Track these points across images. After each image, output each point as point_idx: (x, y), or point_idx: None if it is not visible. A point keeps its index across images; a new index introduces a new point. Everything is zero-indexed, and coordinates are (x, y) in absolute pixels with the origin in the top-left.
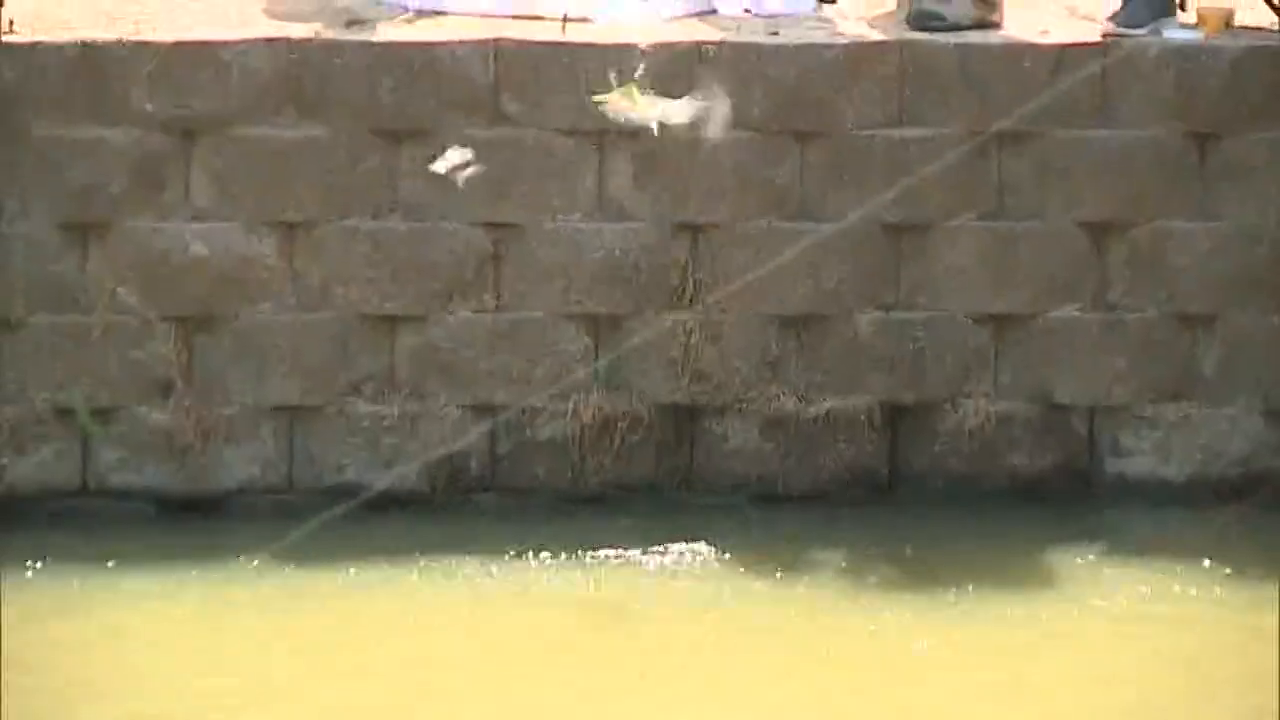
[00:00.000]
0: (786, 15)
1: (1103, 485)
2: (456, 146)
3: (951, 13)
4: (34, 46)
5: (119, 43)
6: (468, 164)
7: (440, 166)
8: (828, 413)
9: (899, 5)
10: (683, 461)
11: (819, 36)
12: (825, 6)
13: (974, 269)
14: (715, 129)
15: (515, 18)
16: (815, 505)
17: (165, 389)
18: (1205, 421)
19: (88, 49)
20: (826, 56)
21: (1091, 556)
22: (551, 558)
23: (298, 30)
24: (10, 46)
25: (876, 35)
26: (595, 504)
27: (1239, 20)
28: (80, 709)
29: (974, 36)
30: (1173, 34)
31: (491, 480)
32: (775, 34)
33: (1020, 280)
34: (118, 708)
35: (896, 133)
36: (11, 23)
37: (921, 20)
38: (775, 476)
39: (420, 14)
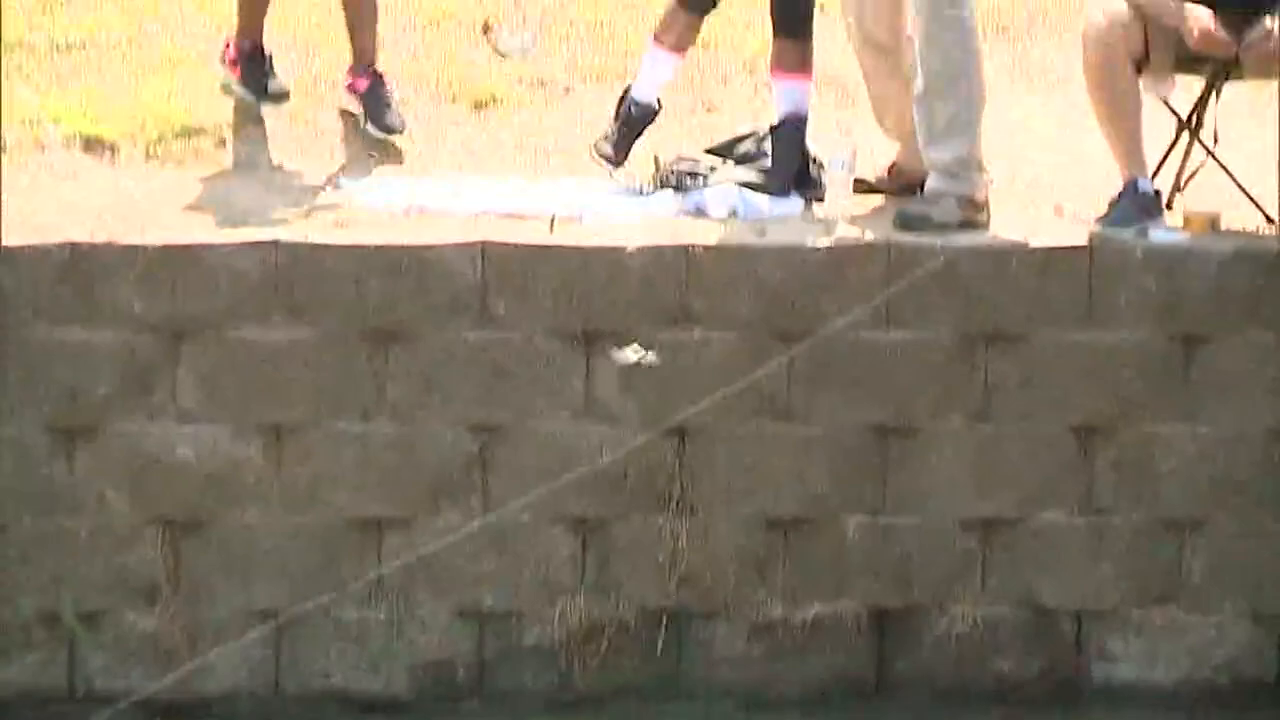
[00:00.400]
0: (774, 217)
1: (1090, 690)
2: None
3: (939, 214)
4: (22, 250)
5: (107, 245)
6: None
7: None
8: (815, 617)
9: (885, 201)
10: (670, 666)
11: (806, 238)
12: (813, 207)
13: (961, 472)
14: None
15: (503, 217)
16: (803, 710)
17: (152, 593)
18: (1193, 627)
19: (76, 251)
20: (813, 258)
21: None
22: None
23: (285, 233)
24: None
25: (863, 237)
26: (583, 709)
27: (1225, 223)
28: None
29: (961, 238)
30: (1159, 236)
31: (479, 686)
32: (762, 234)
33: (1007, 483)
34: None
35: (883, 335)
36: None
37: (908, 222)
38: (763, 681)
39: (408, 213)
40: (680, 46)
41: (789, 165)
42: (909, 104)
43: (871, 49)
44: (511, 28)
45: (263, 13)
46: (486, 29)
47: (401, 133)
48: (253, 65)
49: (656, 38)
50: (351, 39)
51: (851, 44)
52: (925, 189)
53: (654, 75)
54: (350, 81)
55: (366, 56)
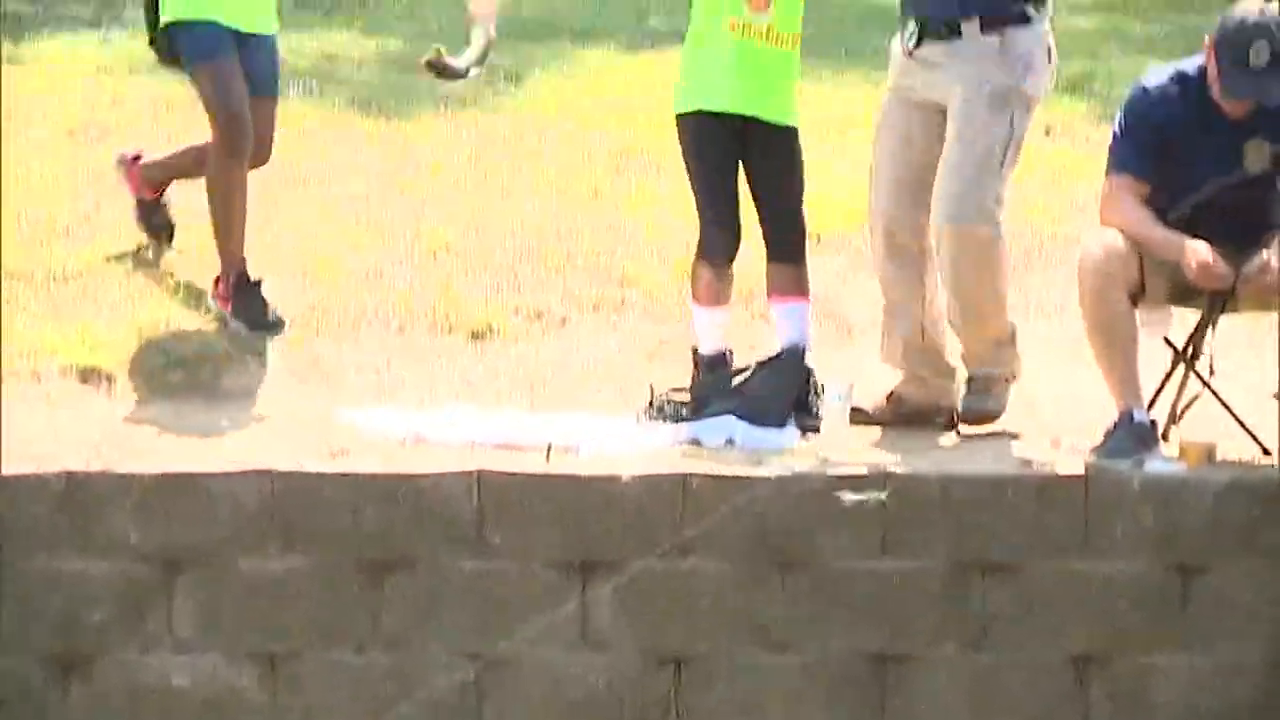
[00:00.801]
0: (771, 447)
1: None
2: None
3: (994, 404)
4: (19, 479)
5: (103, 475)
6: None
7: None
8: None
9: (883, 432)
10: None
11: (801, 467)
12: (809, 436)
13: (957, 701)
14: None
15: (500, 447)
16: None
17: None
18: None
19: (72, 481)
20: (809, 487)
21: None
22: None
23: (281, 462)
24: None
25: (858, 467)
26: None
27: (1221, 454)
28: None
29: (958, 467)
30: (1155, 467)
31: None
32: (759, 464)
33: (1004, 713)
34: None
35: (879, 564)
36: None
37: (975, 418)
38: None
39: (404, 443)
40: (717, 300)
41: (787, 396)
42: (925, 318)
43: (895, 255)
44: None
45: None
46: (432, 65)
47: (281, 329)
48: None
49: (695, 297)
50: (218, 241)
51: (875, 254)
52: (972, 381)
53: (709, 330)
54: (217, 289)
55: (235, 260)
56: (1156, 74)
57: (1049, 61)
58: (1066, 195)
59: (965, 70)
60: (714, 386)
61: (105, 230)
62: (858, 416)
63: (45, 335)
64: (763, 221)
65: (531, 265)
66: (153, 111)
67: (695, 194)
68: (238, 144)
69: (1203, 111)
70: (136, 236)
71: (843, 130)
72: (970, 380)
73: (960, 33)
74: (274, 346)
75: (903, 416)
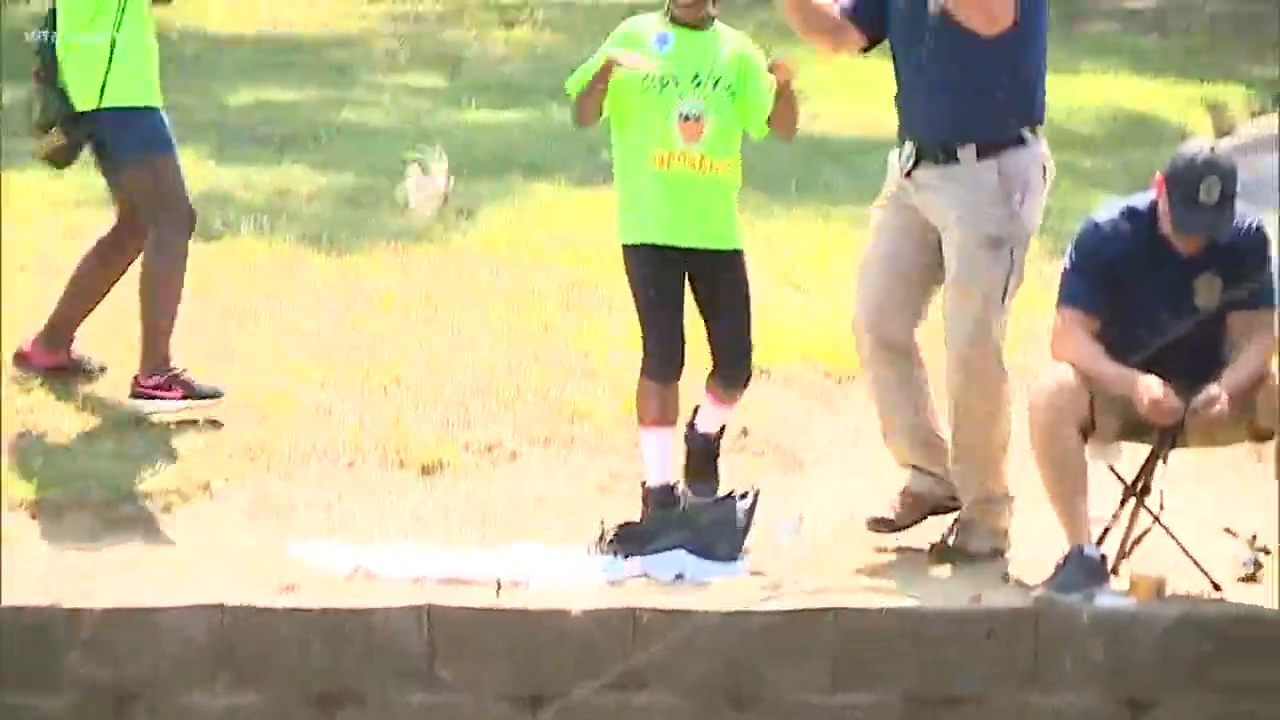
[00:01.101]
0: (721, 579)
1: None
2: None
3: (975, 545)
4: None
5: (52, 609)
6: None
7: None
8: None
9: (837, 565)
10: None
11: (752, 601)
12: (761, 570)
13: None
14: None
15: (449, 582)
16: None
17: None
18: None
19: (21, 616)
20: (759, 622)
21: None
22: None
23: (232, 597)
24: None
25: (808, 600)
26: None
27: (1171, 588)
28: None
29: (907, 601)
30: (1105, 601)
31: None
32: (708, 598)
33: None
34: None
35: (830, 699)
36: None
37: (944, 554)
38: None
39: (353, 577)
40: (667, 420)
41: (738, 530)
42: (918, 417)
43: (885, 355)
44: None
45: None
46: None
47: (220, 396)
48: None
49: (641, 419)
50: (151, 339)
51: (861, 354)
52: (960, 520)
53: (658, 458)
54: (141, 386)
55: (160, 358)
56: (1107, 209)
57: (1045, 180)
58: (1019, 328)
59: (962, 200)
60: (664, 520)
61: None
62: (880, 526)
63: None
64: (710, 341)
65: (482, 400)
66: None
67: (640, 318)
68: (188, 233)
69: (1153, 247)
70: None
71: (793, 265)
72: (960, 520)
73: (957, 158)
74: (223, 481)
75: (923, 514)
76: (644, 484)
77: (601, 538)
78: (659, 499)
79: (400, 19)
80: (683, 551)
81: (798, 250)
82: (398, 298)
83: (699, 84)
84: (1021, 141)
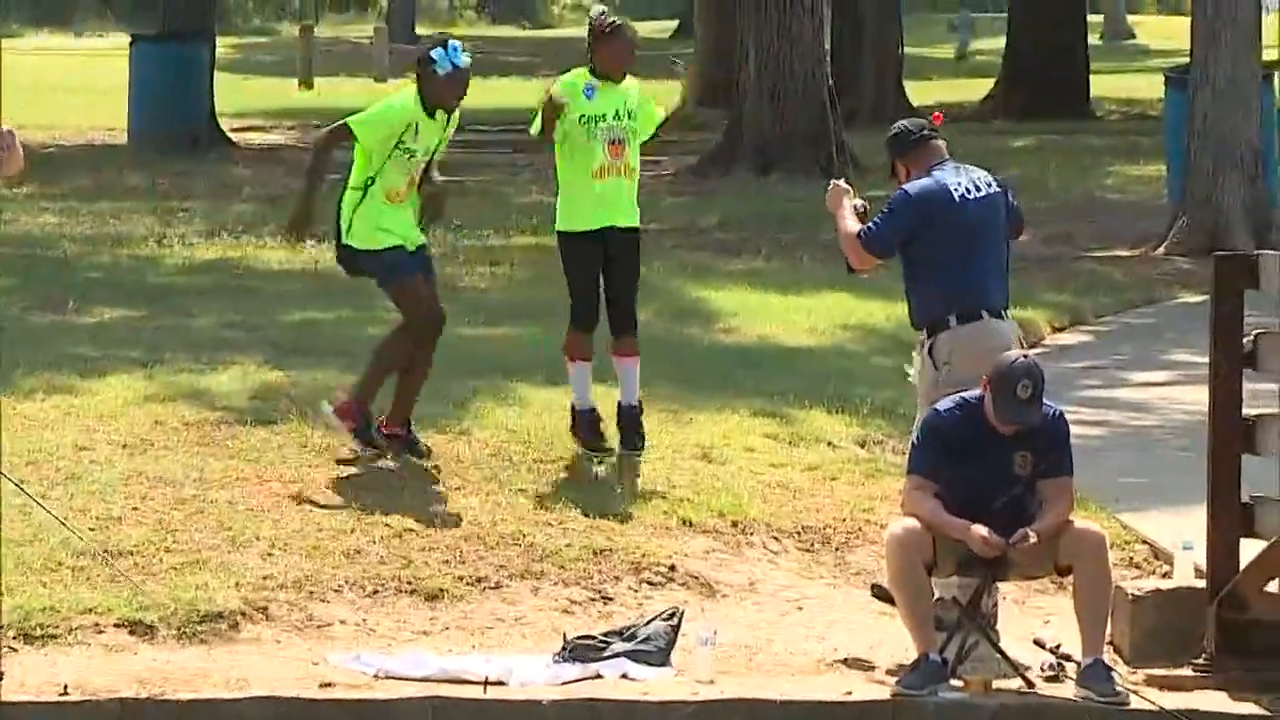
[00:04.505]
0: (655, 679)
1: None
2: None
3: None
4: (83, 704)
5: (149, 700)
6: None
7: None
8: None
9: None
10: None
11: (680, 695)
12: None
13: None
14: None
15: (449, 681)
16: None
17: None
18: None
19: (125, 706)
20: (686, 710)
21: None
22: None
23: (283, 691)
24: (63, 704)
25: (723, 694)
26: None
27: (996, 684)
28: None
29: (795, 693)
30: (946, 695)
31: None
32: (646, 693)
33: None
34: None
35: None
36: (66, 686)
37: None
38: None
39: (377, 676)
40: (586, 356)
41: (668, 643)
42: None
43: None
44: None
45: (406, 401)
46: None
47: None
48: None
49: (569, 355)
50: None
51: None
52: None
53: (581, 384)
54: (391, 431)
55: (363, 393)
56: (946, 401)
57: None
58: (878, 492)
59: None
60: (612, 635)
61: (150, 516)
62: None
63: (103, 598)
64: (610, 309)
65: (474, 544)
66: (187, 431)
67: (569, 284)
68: (423, 335)
69: (982, 429)
70: (169, 518)
71: (718, 449)
72: None
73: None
74: (279, 605)
75: None
76: (573, 406)
77: (564, 647)
78: (585, 421)
79: None
80: (625, 658)
81: (711, 434)
82: (412, 472)
83: (619, 118)
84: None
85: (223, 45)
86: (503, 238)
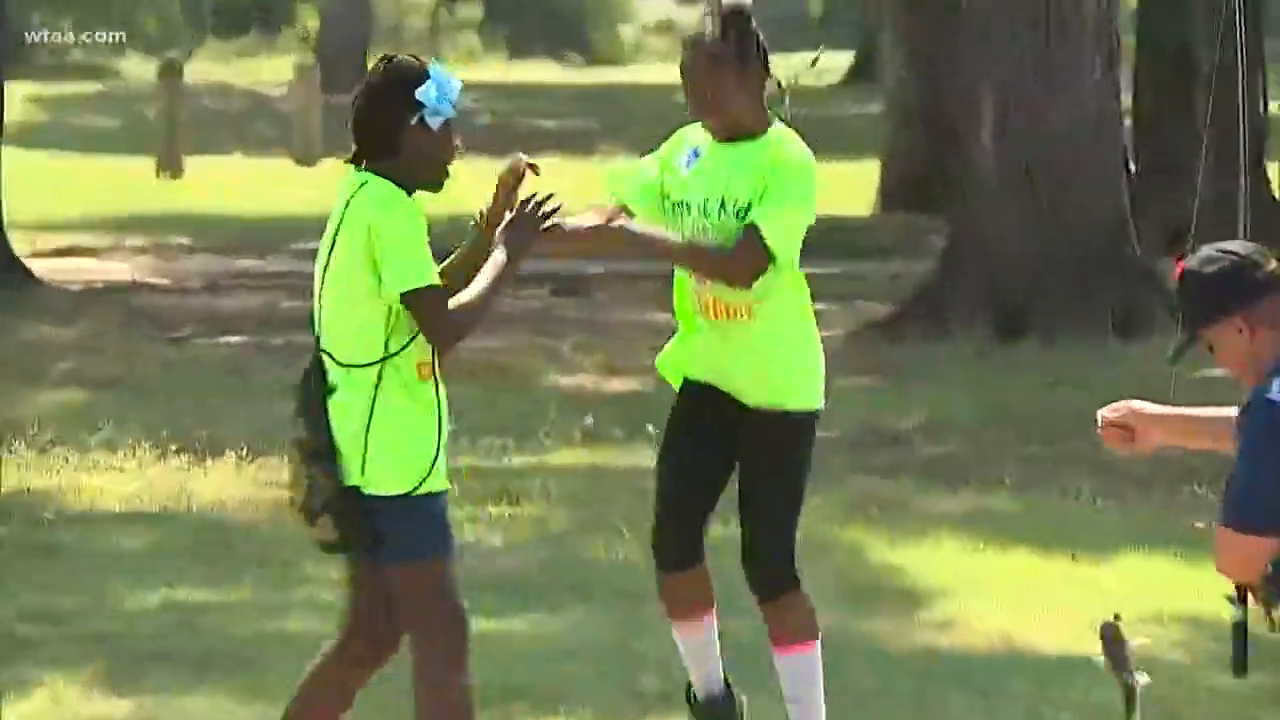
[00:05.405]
0: None
1: None
2: None
3: None
4: None
5: None
6: None
7: None
8: None
9: None
10: None
11: None
12: None
13: None
14: None
15: None
16: None
17: None
18: None
19: None
20: None
21: None
22: None
23: None
24: None
25: None
26: None
27: None
28: None
29: None
30: None
31: None
32: None
33: None
34: None
35: None
36: None
37: None
38: None
39: None
40: (685, 614)
41: None
42: None
43: None
44: None
45: None
46: None
47: None
48: None
49: (669, 614)
50: None
51: None
52: None
53: (687, 658)
54: None
55: None
56: None
57: None
58: None
59: None
60: None
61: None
62: None
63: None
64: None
65: None
66: None
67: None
68: (385, 654)
69: None
70: None
71: None
72: None
73: None
74: None
75: None
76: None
77: None
78: (705, 708)
79: None
80: None
81: None
82: None
83: (706, 212)
84: None
85: (23, 93)
86: (532, 452)
